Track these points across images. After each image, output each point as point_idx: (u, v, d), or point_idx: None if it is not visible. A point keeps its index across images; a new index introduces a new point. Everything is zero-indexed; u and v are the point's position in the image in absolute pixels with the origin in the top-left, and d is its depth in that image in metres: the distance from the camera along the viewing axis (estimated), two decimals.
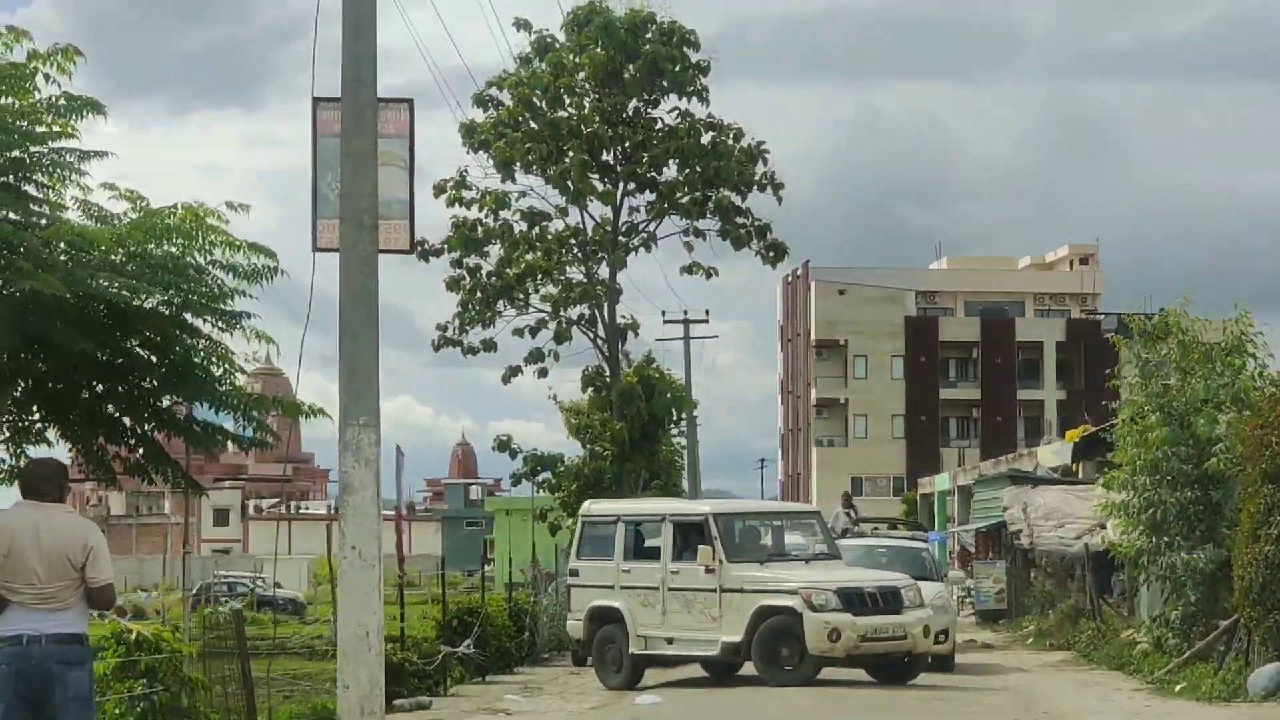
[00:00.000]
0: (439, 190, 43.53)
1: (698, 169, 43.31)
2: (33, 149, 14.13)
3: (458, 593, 44.58)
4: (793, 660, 24.48)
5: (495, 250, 43.67)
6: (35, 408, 14.96)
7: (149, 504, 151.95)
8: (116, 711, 14.33)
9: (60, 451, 15.35)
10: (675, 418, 46.68)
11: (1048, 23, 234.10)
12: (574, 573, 28.39)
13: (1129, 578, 30.83)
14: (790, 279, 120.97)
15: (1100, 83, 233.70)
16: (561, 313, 43.82)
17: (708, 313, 62.39)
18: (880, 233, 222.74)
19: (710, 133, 43.56)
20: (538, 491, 44.75)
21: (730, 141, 43.56)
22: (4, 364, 14.28)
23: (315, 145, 16.22)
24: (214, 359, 15.06)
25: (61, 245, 13.74)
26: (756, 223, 44.00)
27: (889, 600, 25.01)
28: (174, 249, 14.57)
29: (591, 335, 44.10)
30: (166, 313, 14.68)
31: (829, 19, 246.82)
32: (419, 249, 43.43)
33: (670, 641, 26.10)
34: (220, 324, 15.10)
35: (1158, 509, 26.23)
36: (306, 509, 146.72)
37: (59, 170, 14.31)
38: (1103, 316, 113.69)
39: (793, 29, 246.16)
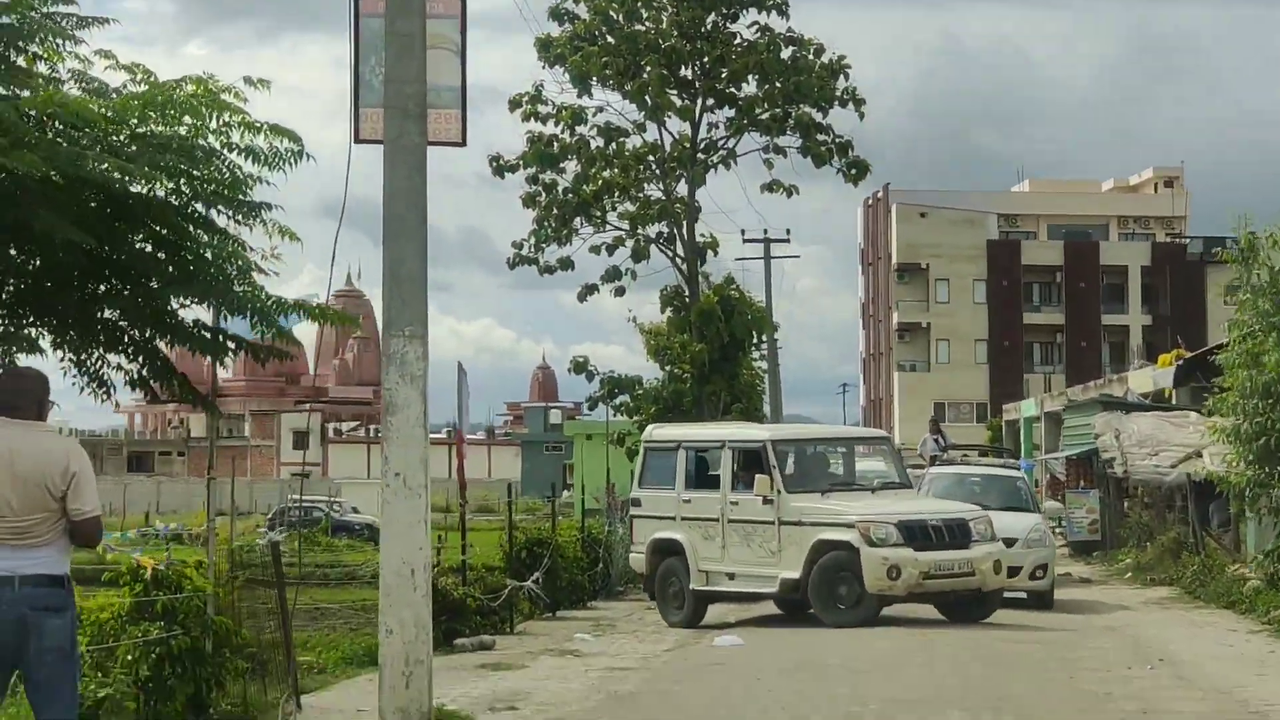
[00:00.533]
0: (514, 105, 42.39)
1: (777, 84, 41.96)
2: (26, 14, 12.20)
3: (536, 519, 43.31)
4: (850, 599, 22.87)
5: (571, 167, 42.65)
6: (25, 311, 12.86)
7: (230, 426, 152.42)
8: (130, 658, 12.76)
9: (53, 363, 13.25)
10: (756, 339, 45.23)
11: None
12: (636, 502, 27.11)
13: (1235, 509, 29.18)
14: (871, 202, 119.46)
15: (1180, 6, 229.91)
16: (639, 230, 42.57)
17: (788, 232, 60.48)
18: (960, 158, 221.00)
19: (790, 47, 42.28)
20: (615, 415, 43.46)
21: (810, 56, 42.22)
22: None
23: (356, 26, 14.54)
24: (228, 256, 12.83)
25: (56, 124, 11.85)
26: (837, 139, 42.61)
27: (955, 534, 23.27)
28: (182, 129, 12.51)
29: (670, 254, 42.91)
30: (174, 202, 12.68)
31: None
32: (495, 164, 42.55)
33: (731, 577, 24.63)
34: (236, 216, 13.00)
35: (1271, 436, 24.64)
36: None
37: (52, 38, 12.41)
38: (1189, 240, 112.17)
39: None
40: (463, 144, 14.63)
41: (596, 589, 32.60)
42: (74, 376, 13.25)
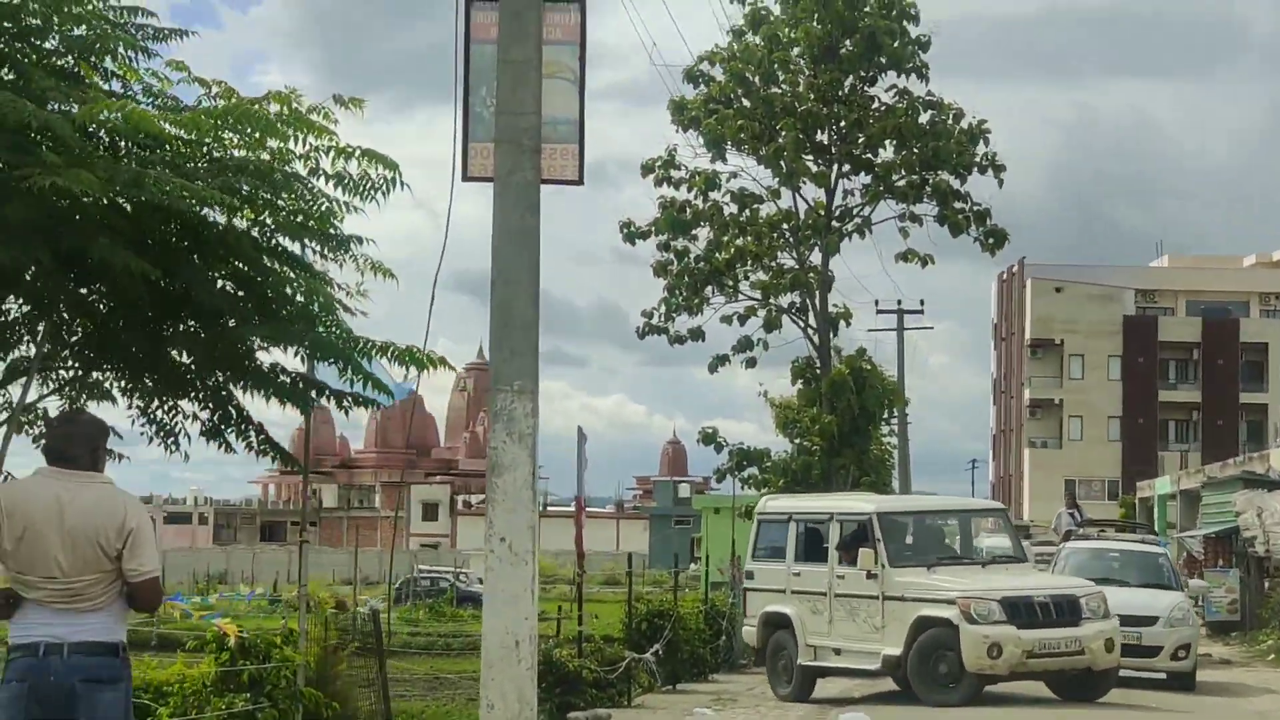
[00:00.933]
0: (646, 170, 42.04)
1: (915, 149, 41.27)
2: (99, 25, 11.00)
3: (660, 591, 42.74)
4: (950, 677, 21.97)
5: (704, 233, 42.16)
6: (94, 354, 11.68)
7: (360, 497, 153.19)
8: None
9: (122, 411, 12.05)
10: (887, 412, 44.49)
11: (1273, 20, 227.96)
12: (749, 575, 26.50)
13: None
14: (1005, 276, 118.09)
15: None
16: (771, 300, 42.00)
17: (922, 302, 58.87)
18: (1097, 232, 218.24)
19: (929, 111, 41.51)
20: (743, 488, 42.81)
21: (950, 121, 41.43)
22: (36, 289, 11.08)
23: (467, 53, 13.48)
24: (313, 293, 11.50)
25: (128, 144, 10.67)
26: (975, 207, 41.80)
27: (1064, 610, 22.26)
28: (265, 153, 11.31)
29: (802, 324, 42.25)
30: (254, 234, 11.46)
31: (1047, 18, 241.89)
32: (626, 231, 42.15)
33: (838, 652, 23.95)
34: (325, 250, 11.86)
35: None
36: None
37: (126, 49, 11.25)
38: None
39: (1009, 27, 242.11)
40: (579, 182, 13.47)
41: (719, 662, 32.00)
42: (142, 425, 12.05)
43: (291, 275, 11.72)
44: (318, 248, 11.91)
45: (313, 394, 12.38)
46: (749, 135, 40.44)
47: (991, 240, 42.05)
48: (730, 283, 42.29)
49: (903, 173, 41.61)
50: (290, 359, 12.28)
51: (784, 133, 40.17)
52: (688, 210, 41.76)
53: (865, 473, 42.40)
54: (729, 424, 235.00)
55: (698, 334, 42.80)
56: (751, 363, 42.15)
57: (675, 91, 41.42)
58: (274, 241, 11.73)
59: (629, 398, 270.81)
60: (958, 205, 41.74)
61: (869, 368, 41.89)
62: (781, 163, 40.73)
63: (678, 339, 43.01)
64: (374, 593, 67.80)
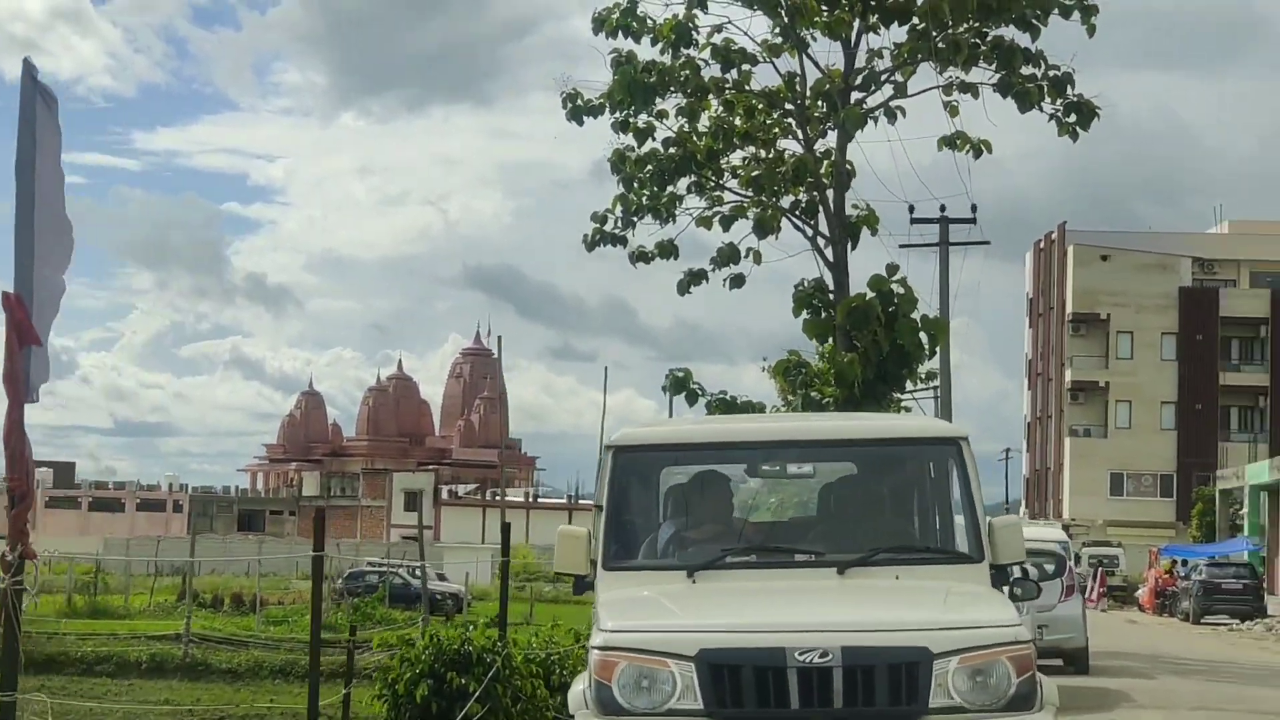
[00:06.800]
0: (600, 23, 30.49)
1: None
2: None
3: None
4: None
5: (674, 104, 30.55)
6: None
7: (343, 485, 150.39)
8: None
9: None
10: (929, 352, 32.02)
11: None
12: None
13: None
14: (1043, 244, 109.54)
15: None
16: (767, 199, 30.58)
17: (974, 209, 44.33)
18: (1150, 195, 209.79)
19: None
20: None
21: None
22: None
23: None
24: None
25: None
26: (1053, 72, 30.14)
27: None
28: None
29: (810, 232, 30.66)
30: None
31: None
32: (570, 104, 30.85)
33: None
34: None
35: None
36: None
37: None
38: None
39: None
40: None
41: None
42: None
43: None
44: None
45: None
46: None
47: (1074, 119, 30.39)
48: (711, 175, 30.93)
49: (950, 23, 29.88)
50: None
51: None
52: (653, 71, 30.17)
53: None
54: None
55: (668, 249, 31.82)
56: (738, 281, 30.87)
57: None
58: None
59: (637, 393, 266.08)
60: (1027, 70, 30.17)
61: (902, 291, 30.00)
62: (781, 9, 29.31)
63: (641, 255, 31.79)
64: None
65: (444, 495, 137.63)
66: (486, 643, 14.96)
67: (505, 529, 19.00)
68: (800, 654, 8.63)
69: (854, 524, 10.68)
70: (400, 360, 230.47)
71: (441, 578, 74.77)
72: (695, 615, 9.23)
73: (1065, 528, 70.27)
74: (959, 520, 10.20)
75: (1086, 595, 64.30)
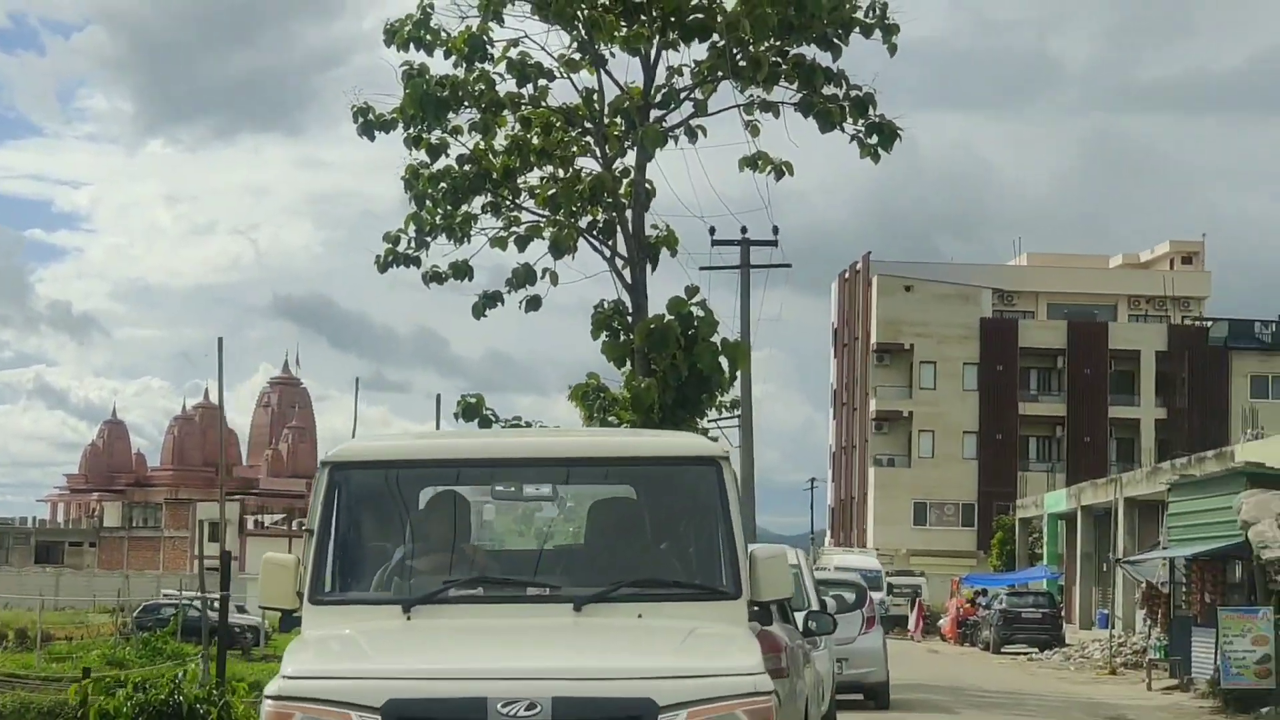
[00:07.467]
0: (391, 34, 29.42)
1: (768, 8, 28.70)
2: None
3: None
4: None
5: (468, 119, 29.57)
6: None
7: (145, 516, 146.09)
8: None
9: None
10: (730, 377, 31.21)
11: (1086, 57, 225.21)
12: None
13: None
14: (847, 274, 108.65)
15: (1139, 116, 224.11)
16: (564, 219, 29.73)
17: (776, 231, 42.08)
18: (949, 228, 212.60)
19: None
20: None
21: None
22: None
23: None
24: None
25: None
26: (854, 92, 29.64)
27: None
28: None
29: (607, 251, 29.85)
30: None
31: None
32: (361, 118, 29.83)
33: None
34: None
35: None
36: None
37: None
38: (1210, 323, 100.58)
39: None
40: None
41: None
42: None
43: None
44: None
45: None
46: None
47: (876, 139, 29.90)
48: (507, 194, 30.00)
49: (751, 42, 29.26)
50: None
51: None
52: (446, 85, 29.23)
53: None
54: None
55: (463, 270, 30.76)
56: (534, 303, 29.91)
57: None
58: None
59: (449, 424, 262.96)
60: (828, 91, 29.65)
61: (702, 314, 29.29)
62: (579, 22, 28.52)
63: (435, 276, 30.78)
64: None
65: (249, 525, 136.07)
66: (201, 692, 13.62)
67: (225, 558, 17.49)
68: (503, 705, 7.56)
69: (601, 554, 9.45)
70: (207, 389, 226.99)
71: (241, 610, 72.96)
72: (389, 659, 8.15)
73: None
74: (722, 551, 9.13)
75: (909, 627, 64.06)
